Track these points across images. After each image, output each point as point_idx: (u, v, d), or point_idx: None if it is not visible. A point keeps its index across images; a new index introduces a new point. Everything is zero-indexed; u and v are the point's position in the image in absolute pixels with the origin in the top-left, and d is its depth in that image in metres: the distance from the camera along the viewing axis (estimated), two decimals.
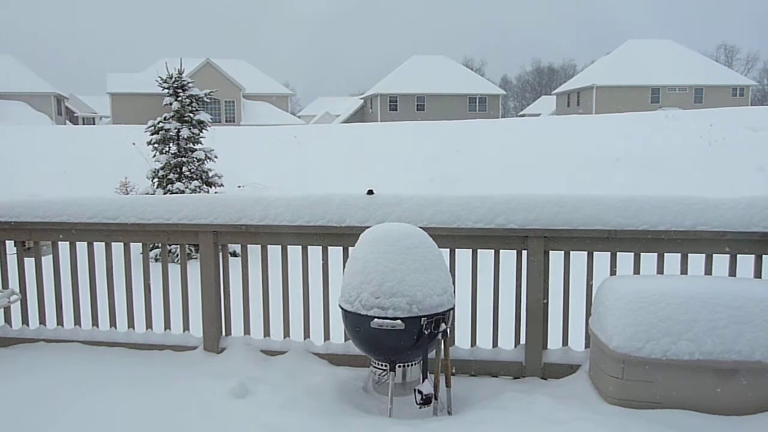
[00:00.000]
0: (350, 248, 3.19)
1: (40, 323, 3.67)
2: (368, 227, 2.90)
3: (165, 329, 3.65)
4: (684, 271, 3.10)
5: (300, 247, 3.42)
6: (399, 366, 2.69)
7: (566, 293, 3.27)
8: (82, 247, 3.74)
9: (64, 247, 3.75)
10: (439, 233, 3.14)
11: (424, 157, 14.32)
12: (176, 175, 9.07)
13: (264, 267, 3.51)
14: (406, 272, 2.52)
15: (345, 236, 3.29)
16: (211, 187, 9.43)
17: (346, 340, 3.40)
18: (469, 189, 11.47)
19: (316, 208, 3.33)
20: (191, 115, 9.26)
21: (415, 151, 14.89)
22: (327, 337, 3.48)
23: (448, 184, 11.86)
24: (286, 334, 3.52)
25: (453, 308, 2.72)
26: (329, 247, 3.38)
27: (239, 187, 11.78)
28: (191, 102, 9.22)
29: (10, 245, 3.59)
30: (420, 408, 2.57)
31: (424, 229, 2.94)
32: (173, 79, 9.23)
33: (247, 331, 3.57)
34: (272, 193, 3.96)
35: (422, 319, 2.51)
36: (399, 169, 13.51)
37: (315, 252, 3.58)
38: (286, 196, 3.49)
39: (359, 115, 48.71)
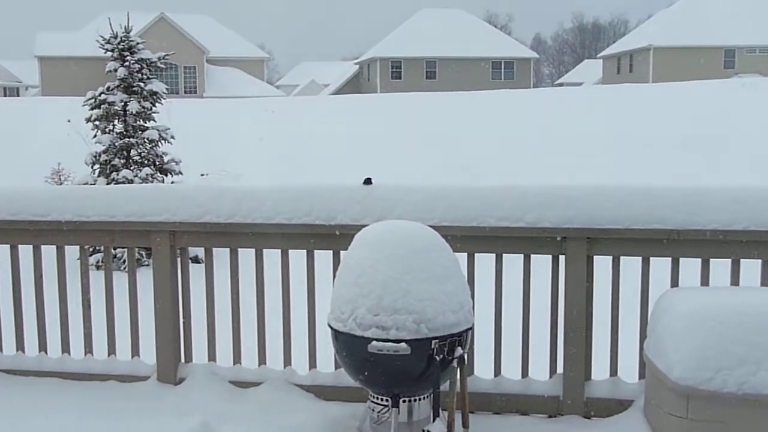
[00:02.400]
0: (342, 252, 3.22)
1: None
2: (365, 226, 2.86)
3: (109, 355, 3.65)
4: (765, 282, 3.09)
5: (279, 250, 3.44)
6: (404, 401, 2.70)
7: (615, 309, 3.26)
8: (3, 251, 3.73)
9: None
10: (453, 233, 3.15)
11: (436, 137, 14.13)
12: (122, 161, 9.00)
13: (234, 276, 3.52)
14: (412, 282, 2.53)
15: (336, 237, 3.30)
16: (166, 175, 9.33)
17: (336, 368, 3.41)
18: (491, 178, 11.13)
19: (300, 202, 3.34)
20: (141, 84, 9.20)
21: (423, 131, 14.71)
22: (313, 364, 3.49)
23: (465, 173, 11.71)
24: (262, 360, 3.53)
25: (472, 328, 2.72)
26: (316, 251, 3.41)
27: (203, 175, 11.74)
28: (141, 68, 9.18)
29: None
30: None
31: (434, 228, 2.95)
32: (118, 39, 9.16)
33: (212, 356, 3.57)
34: (244, 183, 4.01)
35: (433, 341, 2.52)
36: (403, 153, 13.34)
37: (298, 257, 3.55)
38: (262, 187, 3.47)
39: (353, 85, 48.03)
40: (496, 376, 3.36)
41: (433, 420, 2.61)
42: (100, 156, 8.90)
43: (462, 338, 2.64)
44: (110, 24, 9.32)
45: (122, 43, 9.04)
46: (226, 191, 3.48)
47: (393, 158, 13.11)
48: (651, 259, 3.22)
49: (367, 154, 13.51)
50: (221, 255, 3.61)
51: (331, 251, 3.39)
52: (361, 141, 14.48)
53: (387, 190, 3.34)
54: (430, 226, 2.96)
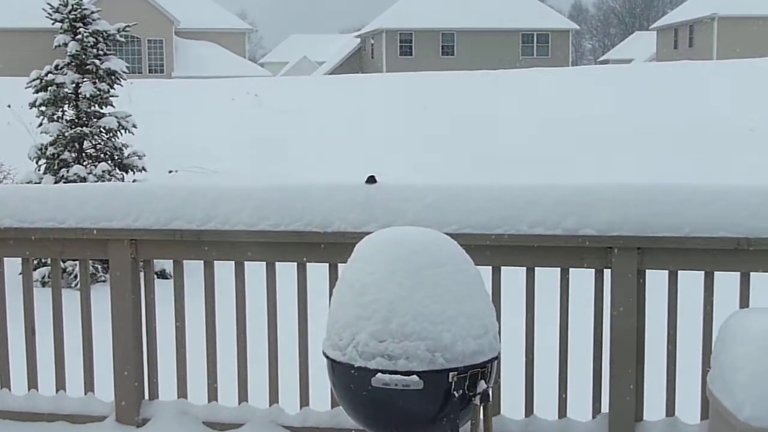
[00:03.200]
0: (340, 265, 3.24)
1: None
2: (368, 234, 2.88)
3: (57, 390, 3.64)
4: None
5: (264, 263, 3.48)
6: None
7: (671, 335, 3.26)
8: None
9: None
10: (476, 243, 3.17)
11: (454, 126, 14.17)
12: (74, 155, 9.03)
13: (209, 294, 3.53)
14: (425, 302, 2.55)
15: (332, 247, 3.34)
16: (127, 172, 9.37)
17: (333, 406, 3.41)
18: (521, 176, 11.10)
19: (289, 204, 3.39)
20: (97, 62, 9.24)
21: (438, 118, 14.73)
22: (305, 401, 3.49)
23: (489, 169, 11.75)
24: (243, 397, 3.53)
25: (497, 357, 2.73)
26: (309, 264, 3.45)
27: (171, 172, 11.78)
28: (97, 42, 9.20)
29: None
30: None
31: (452, 236, 2.93)
32: (69, 8, 9.11)
33: (182, 392, 3.57)
34: (222, 182, 4.03)
35: (451, 373, 2.53)
36: (415, 146, 13.36)
37: (287, 271, 3.57)
38: (244, 187, 3.52)
39: (354, 62, 48.22)
40: (527, 415, 3.35)
41: None
42: (46, 149, 8.94)
43: (486, 370, 2.63)
44: None
45: (74, 12, 9.01)
46: (200, 192, 3.50)
47: (402, 152, 13.11)
48: (716, 273, 3.20)
49: (370, 146, 13.47)
50: (194, 269, 3.60)
51: (327, 264, 3.42)
52: (364, 131, 14.46)
53: (395, 191, 3.37)
54: (447, 234, 2.95)
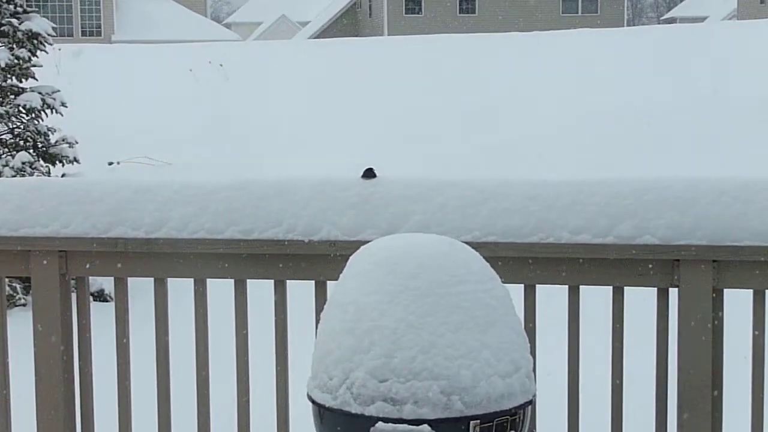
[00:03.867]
0: (330, 284, 3.23)
1: None
2: (365, 243, 2.88)
3: None
4: None
5: (232, 281, 3.53)
6: None
7: (758, 370, 3.24)
8: None
9: None
10: (504, 254, 3.22)
11: (475, 104, 14.32)
12: None
13: (161, 320, 3.56)
14: (438, 331, 2.49)
15: (320, 260, 3.40)
16: (54, 164, 9.46)
17: None
18: (561, 169, 11.18)
19: (265, 205, 3.46)
20: (14, 21, 9.24)
21: (455, 93, 14.93)
22: None
23: (520, 160, 11.90)
24: None
25: (532, 401, 2.70)
26: (289, 282, 3.51)
27: (112, 165, 11.94)
28: None
29: None
30: None
31: (474, 246, 2.87)
32: None
33: None
34: (177, 177, 4.08)
35: (471, 423, 2.50)
36: (424, 129, 13.54)
37: (262, 290, 3.61)
38: (205, 183, 3.58)
39: (347, 24, 48.87)
40: None
41: None
42: None
43: (517, 418, 2.62)
44: None
45: None
46: (149, 190, 3.54)
47: (408, 137, 13.20)
48: None
49: (368, 132, 13.53)
50: (141, 288, 3.61)
51: (313, 282, 3.47)
52: (359, 112, 14.57)
53: (400, 188, 3.42)
54: (467, 243, 2.91)
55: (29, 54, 9.29)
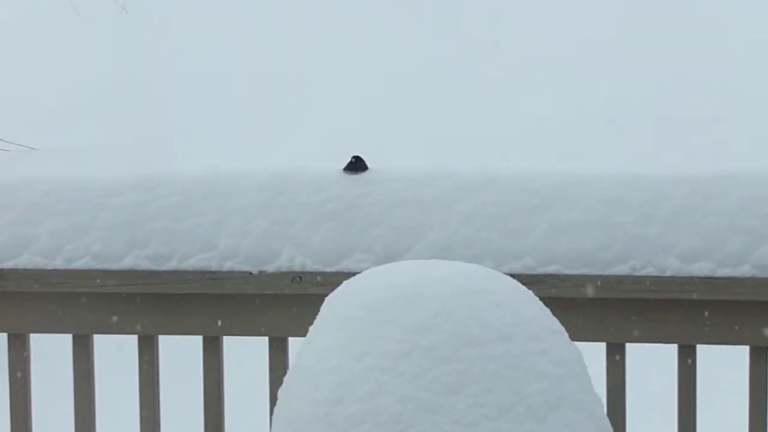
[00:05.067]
0: (293, 341, 3.26)
1: None
2: (348, 277, 2.86)
3: None
4: None
5: (135, 337, 3.47)
6: None
7: None
8: None
9: None
10: (571, 293, 3.22)
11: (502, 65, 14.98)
12: None
13: (18, 397, 3.57)
14: (468, 417, 2.52)
15: (275, 303, 3.38)
16: None
17: None
18: (655, 159, 11.92)
19: (190, 214, 3.45)
20: None
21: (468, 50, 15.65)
22: None
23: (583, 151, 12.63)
24: None
25: None
26: (226, 338, 3.46)
27: None
28: None
29: None
30: None
31: (524, 281, 2.92)
32: None
33: None
34: (48, 170, 4.03)
35: None
36: (431, 101, 14.55)
37: (185, 350, 3.66)
38: (90, 182, 3.58)
39: None
40: None
41: None
42: None
43: None
44: None
45: None
46: (2, 192, 3.57)
47: (410, 114, 13.93)
48: None
49: (349, 99, 14.28)
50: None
51: (267, 338, 3.39)
52: (336, 66, 15.46)
53: (404, 186, 3.40)
54: (513, 276, 2.93)
55: None
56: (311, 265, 3.18)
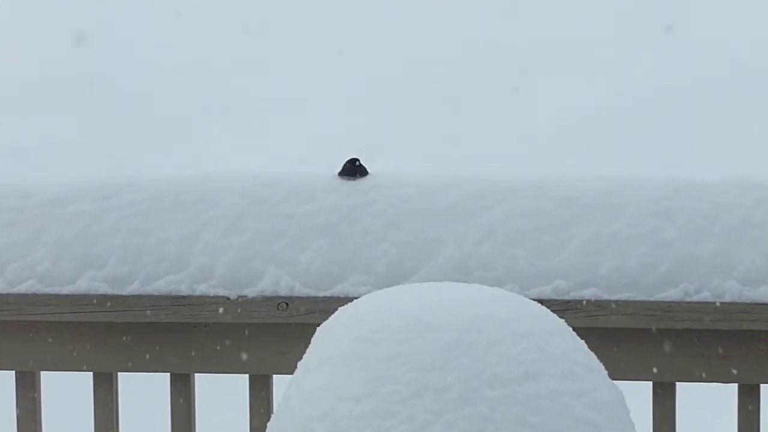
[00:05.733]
0: (278, 379, 3.22)
1: None
2: (345, 303, 2.74)
3: None
4: None
5: (91, 374, 3.46)
6: None
7: None
8: None
9: None
10: (611, 322, 3.17)
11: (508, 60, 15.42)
12: None
13: None
14: None
15: (257, 335, 3.34)
16: None
17: None
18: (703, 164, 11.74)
19: (154, 227, 3.42)
20: None
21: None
22: None
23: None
24: None
25: None
26: (199, 375, 3.43)
27: None
28: None
29: None
30: None
31: (556, 308, 2.84)
32: None
33: None
34: None
35: None
36: (430, 101, 14.69)
37: (150, 390, 3.69)
38: (32, 187, 3.59)
39: None
40: None
41: None
42: None
43: None
44: None
45: None
46: None
47: (411, 114, 14.23)
48: None
49: (342, 93, 14.69)
50: None
51: (246, 376, 3.34)
52: (328, 53, 15.92)
53: (411, 194, 3.38)
54: (543, 302, 2.83)
55: None
56: (300, 289, 3.02)
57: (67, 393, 3.69)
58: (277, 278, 3.04)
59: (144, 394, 3.69)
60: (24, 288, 3.26)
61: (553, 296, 2.86)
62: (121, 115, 12.46)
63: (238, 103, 13.07)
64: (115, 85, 13.38)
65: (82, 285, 3.17)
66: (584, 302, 2.90)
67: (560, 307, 2.72)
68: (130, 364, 3.31)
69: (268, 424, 2.59)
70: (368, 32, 16.81)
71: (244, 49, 15.32)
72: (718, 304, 3.04)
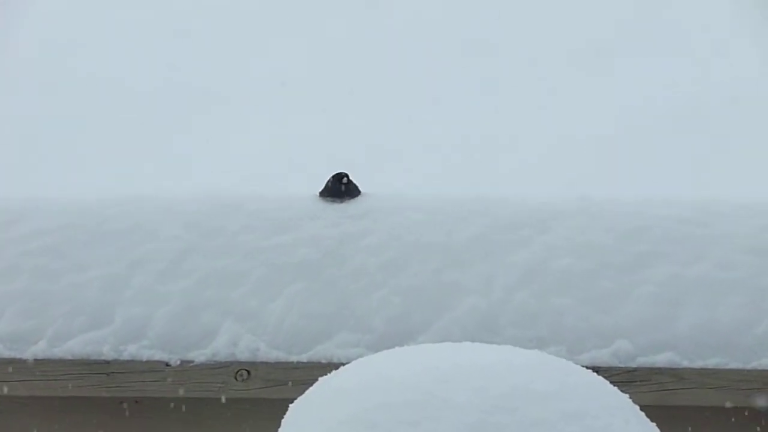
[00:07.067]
0: None
1: None
2: (330, 368, 2.70)
3: None
4: None
5: None
6: None
7: None
8: None
9: None
10: (688, 399, 3.26)
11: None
12: None
13: None
14: None
15: (208, 413, 3.33)
16: None
17: None
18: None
19: (53, 263, 3.48)
20: None
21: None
22: None
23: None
24: None
25: None
26: None
27: None
28: None
29: None
30: None
31: (615, 379, 2.78)
32: None
33: None
34: None
35: None
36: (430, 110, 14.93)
37: None
38: None
39: None
40: None
41: None
42: None
43: None
44: None
45: None
46: None
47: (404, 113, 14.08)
48: None
49: (325, 95, 14.20)
50: None
51: None
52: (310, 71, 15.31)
53: (421, 222, 3.27)
54: (596, 370, 2.81)
55: None
56: (266, 352, 2.82)
57: None
58: (235, 337, 2.85)
59: None
60: None
61: (614, 362, 2.67)
62: (25, 116, 12.39)
63: (183, 96, 13.02)
64: (47, 93, 13.39)
65: None
66: (656, 371, 2.70)
67: (624, 377, 2.53)
68: None
69: None
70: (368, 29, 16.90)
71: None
72: None
